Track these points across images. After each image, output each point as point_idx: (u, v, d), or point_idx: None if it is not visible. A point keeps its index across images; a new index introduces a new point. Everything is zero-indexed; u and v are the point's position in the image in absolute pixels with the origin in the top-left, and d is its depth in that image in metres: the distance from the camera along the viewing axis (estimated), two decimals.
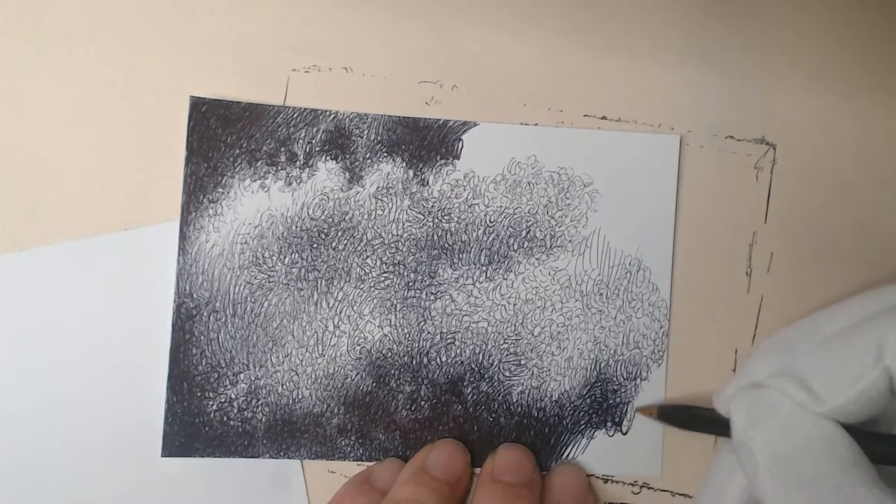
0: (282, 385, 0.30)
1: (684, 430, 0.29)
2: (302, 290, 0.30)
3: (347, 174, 0.31)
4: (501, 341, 0.31)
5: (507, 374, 0.31)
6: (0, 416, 0.30)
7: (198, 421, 0.30)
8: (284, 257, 0.30)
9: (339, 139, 0.31)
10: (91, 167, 0.30)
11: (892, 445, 0.22)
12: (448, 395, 0.31)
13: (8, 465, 0.30)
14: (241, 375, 0.30)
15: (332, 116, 0.31)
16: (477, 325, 0.31)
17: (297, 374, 0.30)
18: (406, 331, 0.31)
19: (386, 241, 0.31)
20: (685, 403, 0.30)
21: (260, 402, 0.30)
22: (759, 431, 0.23)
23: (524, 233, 0.31)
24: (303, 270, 0.30)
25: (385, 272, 0.31)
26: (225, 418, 0.30)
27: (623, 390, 0.31)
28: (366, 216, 0.31)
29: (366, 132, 0.31)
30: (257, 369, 0.30)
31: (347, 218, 0.31)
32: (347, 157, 0.31)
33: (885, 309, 0.23)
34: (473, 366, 0.31)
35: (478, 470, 0.30)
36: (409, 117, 0.31)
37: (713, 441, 0.31)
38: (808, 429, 0.22)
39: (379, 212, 0.31)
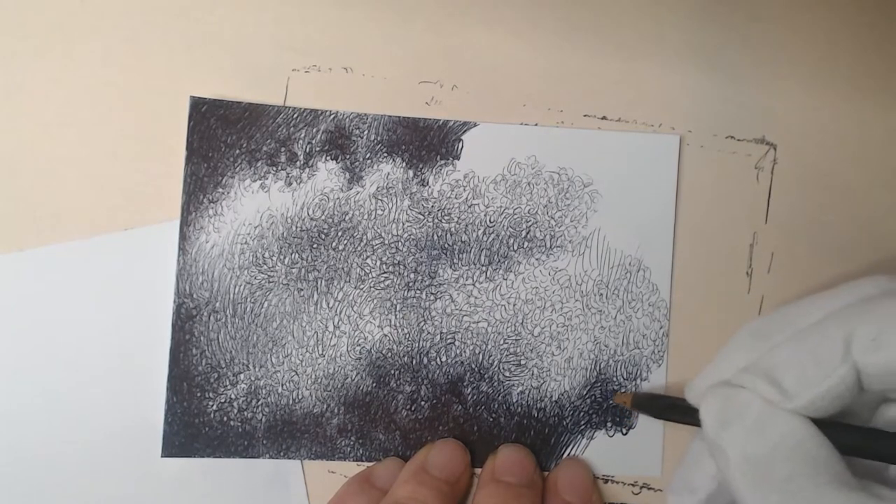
0: (282, 385, 0.30)
1: (658, 419, 0.29)
2: (302, 290, 0.30)
3: (347, 174, 0.31)
4: (501, 341, 0.31)
5: (507, 374, 0.31)
6: (0, 416, 0.30)
7: (198, 421, 0.30)
8: (284, 257, 0.30)
9: (339, 139, 0.31)
10: (91, 167, 0.30)
11: (862, 437, 0.22)
12: (448, 395, 0.31)
13: (8, 465, 0.30)
14: (241, 376, 0.30)
15: (332, 116, 0.31)
16: (477, 326, 0.31)
17: (297, 374, 0.30)
18: (406, 331, 0.31)
19: (386, 242, 0.31)
20: (659, 393, 0.30)
21: (260, 403, 0.30)
22: (730, 432, 0.23)
23: (524, 233, 0.31)
24: (303, 270, 0.30)
25: (385, 272, 0.31)
26: (225, 418, 0.30)
27: (623, 390, 0.31)
28: (366, 216, 0.31)
29: (366, 132, 0.31)
30: (257, 369, 0.30)
31: (347, 218, 0.31)
32: (347, 157, 0.31)
33: (854, 302, 0.23)
34: (473, 366, 0.31)
35: (478, 470, 0.30)
36: (409, 117, 0.31)
37: None
38: (778, 428, 0.22)
39: (379, 212, 0.31)
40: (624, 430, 0.31)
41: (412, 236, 0.31)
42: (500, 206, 0.31)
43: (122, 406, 0.30)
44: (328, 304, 0.30)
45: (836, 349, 0.22)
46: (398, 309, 0.31)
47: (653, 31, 0.31)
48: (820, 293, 0.25)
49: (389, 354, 0.31)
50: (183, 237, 0.30)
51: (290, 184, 0.30)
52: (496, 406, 0.31)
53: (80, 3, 0.31)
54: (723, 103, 0.31)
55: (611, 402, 0.31)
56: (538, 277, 0.31)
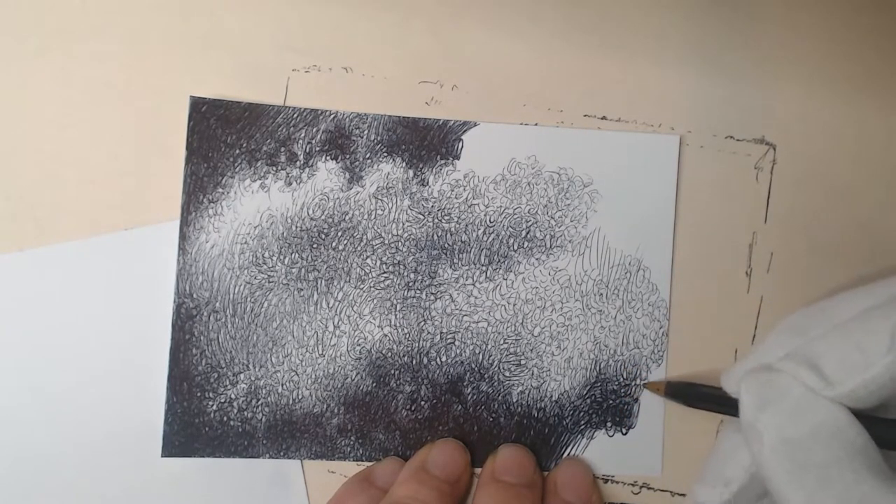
0: (282, 385, 0.30)
1: (690, 407, 0.29)
2: (302, 290, 0.30)
3: (347, 174, 0.31)
4: (501, 341, 0.31)
5: (507, 374, 0.31)
6: (0, 416, 0.30)
7: (198, 421, 0.30)
8: (284, 257, 0.30)
9: (339, 139, 0.31)
10: (91, 167, 0.30)
11: None
12: (448, 395, 0.31)
13: (8, 465, 0.30)
14: (241, 375, 0.30)
15: (332, 116, 0.31)
16: (477, 325, 0.31)
17: (297, 374, 0.30)
18: (406, 331, 0.31)
19: (386, 241, 0.31)
20: (693, 381, 0.30)
21: (260, 402, 0.30)
22: (768, 414, 0.23)
23: (524, 233, 0.31)
24: (303, 270, 0.30)
25: (385, 272, 0.31)
26: (225, 418, 0.30)
27: (623, 390, 0.31)
28: (366, 216, 0.31)
29: (366, 132, 0.31)
30: (257, 369, 0.30)
31: (347, 218, 0.31)
32: (347, 157, 0.31)
33: None
34: (473, 366, 0.31)
35: (478, 470, 0.30)
36: (409, 117, 0.31)
37: (713, 440, 0.31)
38: (817, 414, 0.22)
39: (379, 212, 0.31)
40: (624, 430, 0.31)
41: (412, 236, 0.31)
42: (500, 206, 0.31)
43: (122, 406, 0.30)
44: (328, 303, 0.30)
45: (882, 340, 0.22)
46: (398, 309, 0.31)
47: (653, 31, 0.31)
48: (860, 287, 0.24)
49: (389, 354, 0.31)
50: (183, 237, 0.30)
51: (290, 184, 0.30)
52: (496, 406, 0.31)
53: (81, 3, 0.31)
54: (723, 103, 0.31)
55: (642, 387, 0.30)
56: (538, 277, 0.31)
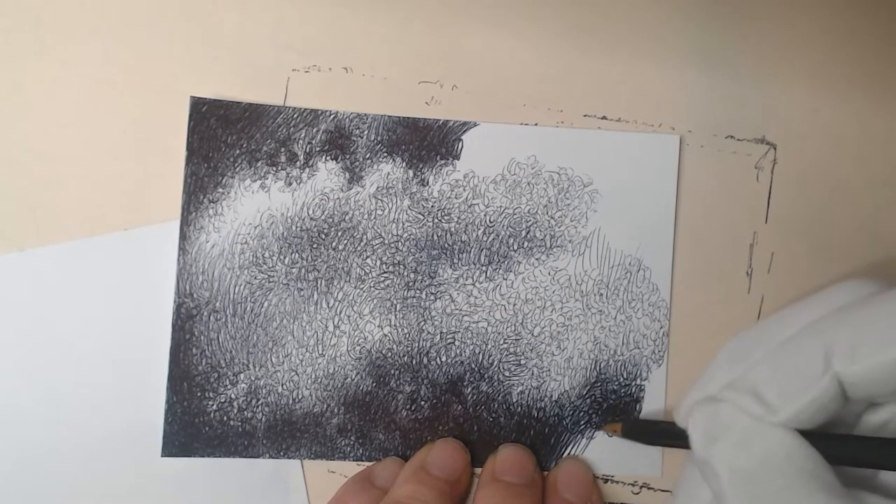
0: (282, 385, 0.30)
1: (650, 445, 0.29)
2: (302, 290, 0.30)
3: (347, 174, 0.31)
4: (501, 341, 0.31)
5: (507, 374, 0.31)
6: (0, 416, 0.30)
7: (198, 421, 0.30)
8: (284, 257, 0.30)
9: (339, 139, 0.31)
10: (91, 167, 0.30)
11: (849, 446, 0.22)
12: (448, 395, 0.31)
13: (8, 465, 0.30)
14: (241, 375, 0.30)
15: (332, 116, 0.31)
16: (477, 325, 0.31)
17: (297, 374, 0.30)
18: (406, 331, 0.31)
19: (386, 241, 0.31)
20: (649, 419, 0.30)
21: (260, 402, 0.30)
22: (717, 448, 0.23)
23: (524, 233, 0.31)
24: (303, 270, 0.30)
25: (385, 272, 0.31)
26: (225, 418, 0.30)
27: (623, 390, 0.31)
28: (366, 216, 0.31)
29: (366, 132, 0.31)
30: (257, 369, 0.30)
31: (347, 218, 0.31)
32: (347, 157, 0.31)
33: (830, 311, 0.23)
34: (473, 366, 0.31)
35: (478, 470, 0.30)
36: (409, 117, 0.31)
37: None
38: (765, 442, 0.22)
39: (379, 212, 0.31)
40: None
41: (412, 236, 0.31)
42: (500, 206, 0.31)
43: (122, 406, 0.30)
44: (328, 303, 0.30)
45: (816, 361, 0.22)
46: (398, 309, 0.31)
47: (653, 31, 0.31)
48: (795, 304, 0.25)
49: (389, 354, 0.31)
50: (183, 237, 0.30)
51: (290, 184, 0.30)
52: (496, 406, 0.31)
53: (80, 3, 0.31)
54: (723, 103, 0.31)
55: (601, 431, 0.31)
56: (538, 277, 0.31)
